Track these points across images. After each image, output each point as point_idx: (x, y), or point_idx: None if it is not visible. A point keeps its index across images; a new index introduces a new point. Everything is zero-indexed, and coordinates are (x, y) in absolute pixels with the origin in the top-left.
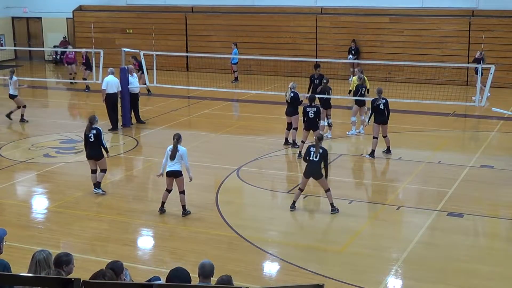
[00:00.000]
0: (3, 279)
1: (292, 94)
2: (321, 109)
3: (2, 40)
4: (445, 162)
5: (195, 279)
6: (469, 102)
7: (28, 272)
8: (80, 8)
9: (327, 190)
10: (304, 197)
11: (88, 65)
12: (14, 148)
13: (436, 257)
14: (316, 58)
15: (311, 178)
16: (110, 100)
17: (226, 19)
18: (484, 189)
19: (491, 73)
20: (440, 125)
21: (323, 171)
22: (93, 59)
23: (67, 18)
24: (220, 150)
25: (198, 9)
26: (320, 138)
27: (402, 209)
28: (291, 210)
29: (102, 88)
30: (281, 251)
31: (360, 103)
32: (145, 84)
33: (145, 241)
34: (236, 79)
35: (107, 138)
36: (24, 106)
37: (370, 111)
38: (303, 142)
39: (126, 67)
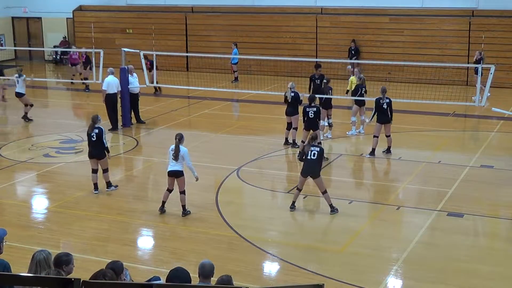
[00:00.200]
0: (3, 279)
1: (292, 94)
2: (321, 109)
3: (2, 40)
4: (445, 162)
5: (195, 279)
6: (469, 102)
7: (28, 272)
8: (80, 8)
9: (324, 192)
10: (304, 197)
11: (87, 64)
12: (14, 148)
13: (436, 257)
14: (316, 58)
15: (309, 178)
16: (110, 100)
17: (226, 19)
18: (484, 189)
19: (491, 73)
20: (440, 125)
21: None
22: (93, 59)
23: (67, 18)
24: (220, 150)
25: (198, 9)
26: (314, 137)
27: (402, 209)
28: (290, 210)
29: (103, 88)
30: (281, 251)
31: (360, 103)
32: (155, 83)
33: (145, 241)
34: (236, 79)
35: (107, 138)
36: (31, 105)
37: (373, 110)
38: (303, 142)
39: (126, 67)
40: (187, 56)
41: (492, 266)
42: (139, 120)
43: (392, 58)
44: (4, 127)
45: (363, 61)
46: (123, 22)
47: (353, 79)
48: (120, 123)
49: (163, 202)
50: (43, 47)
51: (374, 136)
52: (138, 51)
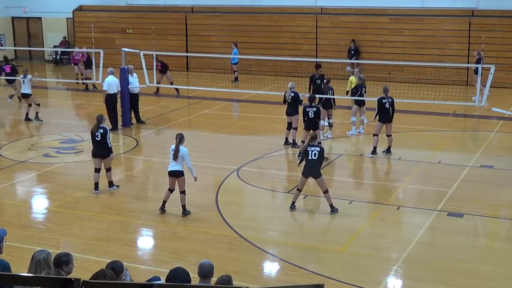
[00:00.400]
0: (3, 279)
1: (292, 94)
2: (322, 109)
3: (2, 40)
4: (445, 162)
5: (195, 279)
6: (469, 102)
7: (28, 272)
8: (80, 8)
9: (326, 192)
10: (304, 197)
11: (89, 64)
12: (14, 148)
13: (436, 257)
14: (316, 58)
15: (310, 178)
16: (110, 100)
17: (226, 19)
18: (484, 189)
19: (491, 73)
20: (440, 125)
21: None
22: (93, 59)
23: (67, 18)
24: (220, 150)
25: (198, 9)
26: (314, 137)
27: (402, 209)
28: (290, 210)
29: (104, 89)
30: (281, 251)
31: (360, 103)
32: (172, 83)
33: (145, 241)
34: (236, 79)
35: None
36: (38, 105)
37: (376, 110)
38: (303, 142)
39: (126, 67)
40: (187, 56)
41: (492, 266)
42: (139, 120)
43: (392, 58)
44: (4, 127)
45: (363, 61)
46: (123, 22)
47: (353, 79)
48: (120, 123)
49: (164, 202)
50: (43, 47)
51: (374, 135)
52: (138, 51)
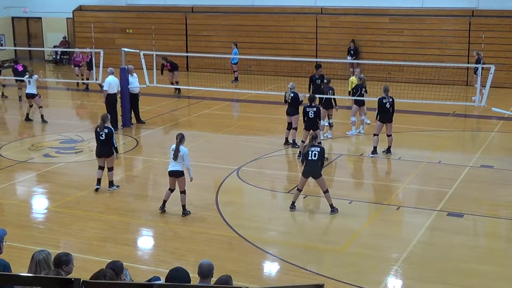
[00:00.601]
0: (3, 279)
1: (292, 94)
2: (322, 109)
3: (2, 40)
4: (445, 162)
5: (195, 279)
6: (469, 102)
7: (28, 272)
8: (80, 8)
9: (326, 191)
10: (304, 197)
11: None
12: (14, 148)
13: (436, 257)
14: (316, 58)
15: (310, 178)
16: (110, 100)
17: (226, 19)
18: (484, 189)
19: (491, 73)
20: (440, 125)
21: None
22: (93, 59)
23: (67, 18)
24: (220, 150)
25: (198, 9)
26: (314, 137)
27: (402, 209)
28: (290, 210)
29: (104, 89)
30: (281, 251)
31: (360, 103)
32: (177, 83)
33: (145, 241)
34: (236, 79)
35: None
36: (40, 107)
37: (377, 110)
38: (303, 142)
39: (126, 67)
40: (187, 56)
41: (492, 266)
42: (139, 120)
43: (392, 58)
44: (4, 127)
45: (363, 61)
46: (123, 22)
47: (353, 79)
48: (120, 123)
49: (164, 201)
50: (43, 47)
51: (374, 135)
52: (138, 51)
